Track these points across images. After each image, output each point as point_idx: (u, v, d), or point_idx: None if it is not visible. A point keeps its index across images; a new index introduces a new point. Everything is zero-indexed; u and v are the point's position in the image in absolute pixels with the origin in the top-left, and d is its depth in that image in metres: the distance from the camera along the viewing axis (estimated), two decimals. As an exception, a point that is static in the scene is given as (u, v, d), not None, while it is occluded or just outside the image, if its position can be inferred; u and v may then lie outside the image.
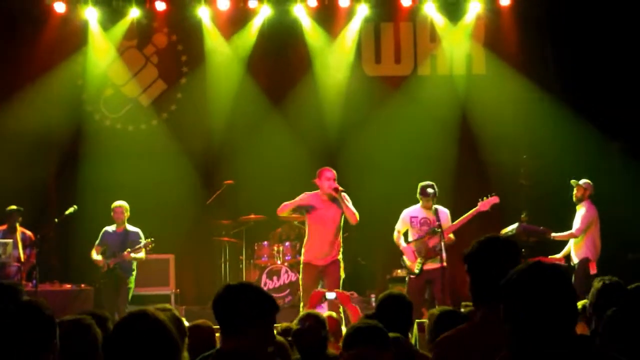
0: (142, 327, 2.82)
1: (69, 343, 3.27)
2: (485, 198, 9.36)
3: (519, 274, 2.77)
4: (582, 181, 10.08)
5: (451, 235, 9.27)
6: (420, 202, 9.46)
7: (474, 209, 9.30)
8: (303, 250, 9.33)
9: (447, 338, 3.35)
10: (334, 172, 9.17)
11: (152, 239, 10.39)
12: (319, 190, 9.18)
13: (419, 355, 4.33)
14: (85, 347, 3.60)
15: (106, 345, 2.91)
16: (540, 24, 12.68)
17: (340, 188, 9.05)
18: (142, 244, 10.34)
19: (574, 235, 9.93)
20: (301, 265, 9.32)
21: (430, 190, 9.30)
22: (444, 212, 9.38)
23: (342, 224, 9.24)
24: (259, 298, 3.34)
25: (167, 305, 4.32)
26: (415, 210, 9.54)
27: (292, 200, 9.27)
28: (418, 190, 9.46)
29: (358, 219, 9.14)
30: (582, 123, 11.98)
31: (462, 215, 9.36)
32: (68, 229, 11.37)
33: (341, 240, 9.27)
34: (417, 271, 9.25)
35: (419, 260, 9.25)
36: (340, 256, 9.19)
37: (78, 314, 4.23)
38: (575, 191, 10.06)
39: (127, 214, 10.53)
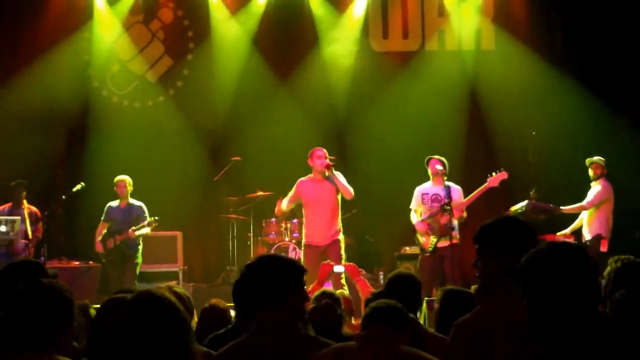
0: (150, 308, 2.81)
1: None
2: (493, 174, 9.26)
3: (541, 253, 2.77)
4: (597, 158, 10.04)
5: (463, 214, 9.22)
6: (431, 178, 9.42)
7: (483, 186, 9.21)
8: (304, 232, 9.36)
9: (465, 321, 3.32)
10: (325, 150, 9.23)
11: (156, 217, 10.34)
12: (311, 173, 9.26)
13: (429, 334, 4.30)
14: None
15: (119, 327, 2.89)
16: (550, -1, 12.58)
17: (331, 164, 9.11)
18: (145, 222, 10.31)
19: (584, 208, 9.92)
20: (302, 247, 9.34)
21: (438, 166, 9.24)
22: (456, 189, 9.31)
23: (339, 202, 9.24)
24: (286, 267, 3.40)
25: (174, 284, 4.30)
26: (426, 187, 9.49)
27: (288, 195, 9.36)
28: (425, 162, 9.44)
29: (353, 194, 9.16)
30: (591, 98, 11.91)
31: (471, 193, 9.31)
32: (75, 205, 11.36)
33: (340, 220, 9.29)
34: (430, 249, 9.21)
35: (432, 238, 9.20)
36: (340, 236, 9.20)
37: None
38: (593, 169, 10.01)
39: (130, 188, 10.49)
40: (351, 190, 9.14)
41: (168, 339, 2.78)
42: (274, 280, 3.35)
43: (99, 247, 10.42)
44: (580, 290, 2.70)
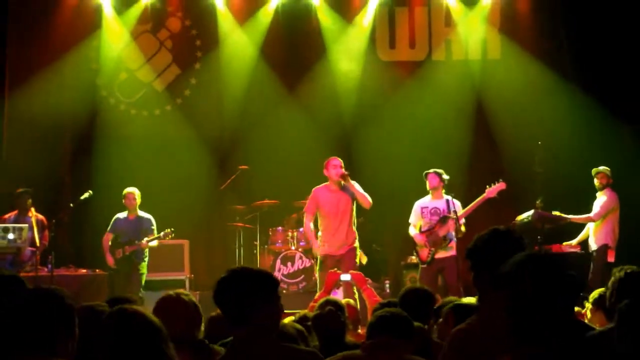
0: (121, 324, 2.91)
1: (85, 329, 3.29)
2: (492, 185, 9.33)
3: (516, 265, 2.82)
4: (602, 168, 10.04)
5: (462, 228, 9.23)
6: (430, 192, 9.46)
7: (481, 197, 9.27)
8: (319, 243, 9.27)
9: (460, 331, 3.35)
10: (340, 160, 9.23)
11: (172, 229, 10.39)
12: (327, 182, 9.24)
13: (435, 344, 4.34)
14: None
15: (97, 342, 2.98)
16: (556, 8, 12.61)
17: (347, 172, 9.10)
18: (161, 235, 10.34)
19: (591, 219, 9.92)
20: (319, 259, 9.29)
21: (434, 180, 9.32)
22: (456, 203, 9.34)
23: (354, 211, 9.24)
24: (257, 280, 3.30)
25: (183, 291, 4.32)
26: (425, 201, 9.59)
27: (307, 204, 9.35)
28: (424, 177, 9.48)
29: (371, 202, 9.18)
30: (597, 108, 11.91)
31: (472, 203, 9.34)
32: (83, 213, 11.40)
33: (355, 228, 9.28)
34: (428, 260, 9.29)
35: (431, 249, 9.27)
36: (356, 244, 9.22)
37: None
38: (599, 179, 10.02)
39: (138, 200, 10.55)
40: (369, 198, 9.15)
41: (144, 350, 2.88)
42: (244, 294, 3.24)
43: (110, 261, 10.46)
44: (553, 299, 2.75)
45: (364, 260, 9.83)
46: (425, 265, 9.37)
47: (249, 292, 3.23)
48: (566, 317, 2.78)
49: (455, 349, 3.33)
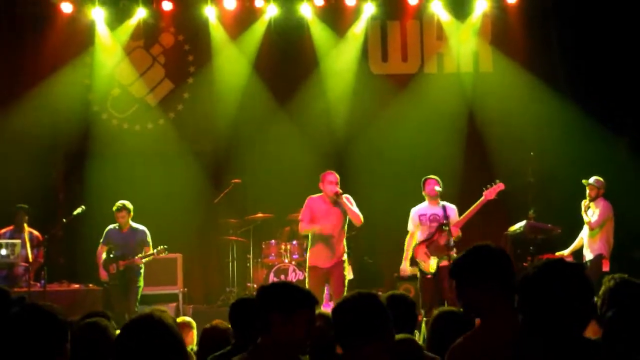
0: (149, 330, 2.88)
1: (84, 345, 3.29)
2: (489, 186, 9.21)
3: (539, 269, 2.82)
4: (593, 179, 10.04)
5: (459, 233, 9.20)
6: (426, 198, 9.42)
7: (480, 200, 9.14)
8: (308, 253, 9.30)
9: (460, 345, 3.35)
10: (336, 175, 9.17)
11: (165, 246, 10.34)
12: (322, 193, 9.22)
13: (427, 357, 4.26)
14: (101, 349, 3.63)
15: (116, 348, 2.95)
16: (547, 21, 12.68)
17: (340, 191, 9.05)
18: (155, 251, 10.29)
19: (590, 226, 9.86)
20: (307, 269, 9.30)
21: (437, 188, 9.24)
22: (452, 208, 9.29)
23: (345, 226, 9.23)
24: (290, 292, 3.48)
25: (162, 307, 4.34)
26: (422, 207, 9.47)
27: (302, 212, 9.28)
28: (421, 184, 9.43)
29: (362, 220, 9.12)
30: (589, 119, 11.95)
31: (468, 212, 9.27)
32: (76, 229, 11.39)
33: (345, 241, 9.27)
34: (432, 271, 9.14)
35: (432, 259, 9.14)
36: (345, 257, 9.18)
37: (86, 314, 4.24)
38: (588, 191, 10.02)
39: (131, 214, 10.48)
40: (361, 216, 9.09)
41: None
42: (274, 307, 3.41)
43: (103, 275, 10.38)
44: (573, 308, 2.74)
45: (350, 275, 9.74)
46: (429, 276, 9.18)
47: (276, 303, 3.42)
48: (579, 331, 2.77)
49: None
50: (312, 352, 4.75)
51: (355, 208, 9.12)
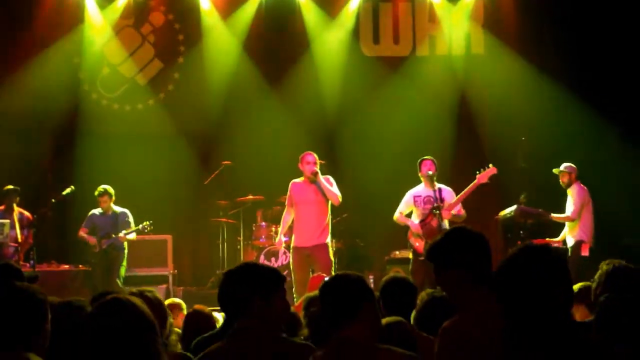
0: (115, 312, 2.89)
1: (62, 325, 3.28)
2: (482, 170, 9.20)
3: (514, 256, 2.80)
4: (564, 165, 9.92)
5: (462, 212, 9.20)
6: (422, 180, 9.39)
7: (473, 183, 9.11)
8: (293, 235, 9.39)
9: (451, 327, 3.33)
10: (315, 155, 9.24)
11: (151, 221, 10.36)
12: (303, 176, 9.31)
13: (422, 337, 4.26)
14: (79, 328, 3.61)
15: (82, 332, 2.96)
16: (539, 4, 12.63)
17: (317, 170, 9.11)
18: (139, 227, 10.32)
19: (570, 219, 9.78)
20: (291, 250, 9.35)
21: (432, 170, 9.20)
22: (447, 190, 9.26)
23: (328, 207, 9.24)
24: (265, 274, 3.48)
25: (151, 288, 4.35)
26: (419, 189, 9.42)
27: (287, 199, 9.41)
28: (417, 165, 9.40)
29: (340, 200, 9.18)
30: (580, 104, 11.94)
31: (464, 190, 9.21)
32: (65, 209, 11.32)
33: (329, 224, 9.28)
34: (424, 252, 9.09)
35: (426, 242, 9.09)
36: (328, 240, 9.21)
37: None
38: (560, 178, 9.95)
39: (113, 199, 10.52)
40: (339, 196, 9.15)
41: (134, 343, 2.86)
42: (254, 287, 3.39)
43: (92, 241, 10.42)
44: (553, 293, 2.72)
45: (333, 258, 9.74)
46: (421, 258, 9.02)
47: (255, 286, 3.38)
48: (565, 315, 2.75)
49: (447, 345, 3.30)
50: (312, 330, 4.74)
51: (334, 188, 9.19)
